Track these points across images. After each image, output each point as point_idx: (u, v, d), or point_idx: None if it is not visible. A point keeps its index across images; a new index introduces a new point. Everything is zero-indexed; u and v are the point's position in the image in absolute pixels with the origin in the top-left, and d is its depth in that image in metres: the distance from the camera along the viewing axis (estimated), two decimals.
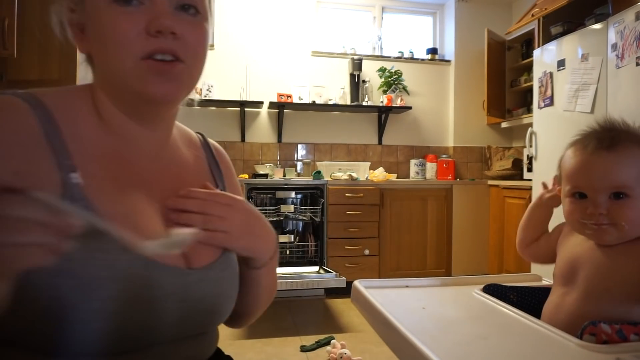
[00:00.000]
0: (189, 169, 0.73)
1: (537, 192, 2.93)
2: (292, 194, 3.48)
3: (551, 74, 2.89)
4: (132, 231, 0.55)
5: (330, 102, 3.91)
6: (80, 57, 0.68)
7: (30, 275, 0.47)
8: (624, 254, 0.73)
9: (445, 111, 4.29)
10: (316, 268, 3.33)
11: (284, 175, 3.66)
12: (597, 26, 2.54)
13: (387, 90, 4.04)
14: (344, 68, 4.05)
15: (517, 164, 3.63)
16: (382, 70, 4.04)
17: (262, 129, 3.97)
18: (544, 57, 3.00)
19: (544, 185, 0.95)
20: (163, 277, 0.58)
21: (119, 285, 0.54)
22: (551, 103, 2.88)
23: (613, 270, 0.73)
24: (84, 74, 0.68)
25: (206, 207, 0.63)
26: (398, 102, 3.99)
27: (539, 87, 3.01)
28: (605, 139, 0.74)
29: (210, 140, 0.83)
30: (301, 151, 4.04)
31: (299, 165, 3.99)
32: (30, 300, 0.50)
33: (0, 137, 0.54)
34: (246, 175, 3.60)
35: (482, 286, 0.87)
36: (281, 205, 3.33)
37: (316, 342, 2.36)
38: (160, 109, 0.65)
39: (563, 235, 0.87)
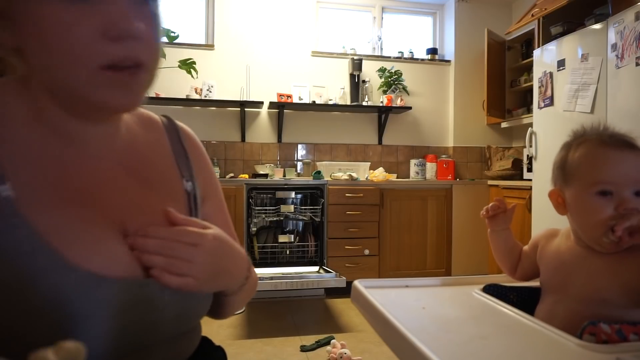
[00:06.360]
0: (146, 161, 0.64)
1: (537, 192, 2.95)
2: (292, 194, 3.48)
3: (551, 74, 2.89)
4: (75, 243, 0.50)
5: (330, 102, 3.91)
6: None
7: None
8: (620, 261, 0.72)
9: (445, 111, 4.29)
10: (316, 268, 3.33)
11: (284, 175, 3.66)
12: (597, 26, 2.54)
13: (387, 91, 4.04)
14: (344, 68, 4.05)
15: (517, 164, 3.63)
16: (382, 70, 4.04)
17: (262, 129, 3.97)
18: (543, 57, 3.00)
19: (487, 211, 0.92)
20: (117, 293, 0.51)
21: (68, 310, 0.47)
22: (551, 103, 2.88)
23: (610, 278, 0.72)
24: None
25: (169, 248, 0.55)
26: (398, 102, 3.99)
27: (539, 87, 3.01)
28: (621, 138, 0.73)
29: (179, 123, 0.72)
30: (301, 151, 4.04)
31: (299, 165, 3.99)
32: None
33: None
34: (246, 175, 3.60)
35: (482, 286, 0.87)
36: (281, 205, 3.33)
37: (316, 342, 2.36)
38: (117, 114, 0.59)
39: (541, 247, 0.87)
